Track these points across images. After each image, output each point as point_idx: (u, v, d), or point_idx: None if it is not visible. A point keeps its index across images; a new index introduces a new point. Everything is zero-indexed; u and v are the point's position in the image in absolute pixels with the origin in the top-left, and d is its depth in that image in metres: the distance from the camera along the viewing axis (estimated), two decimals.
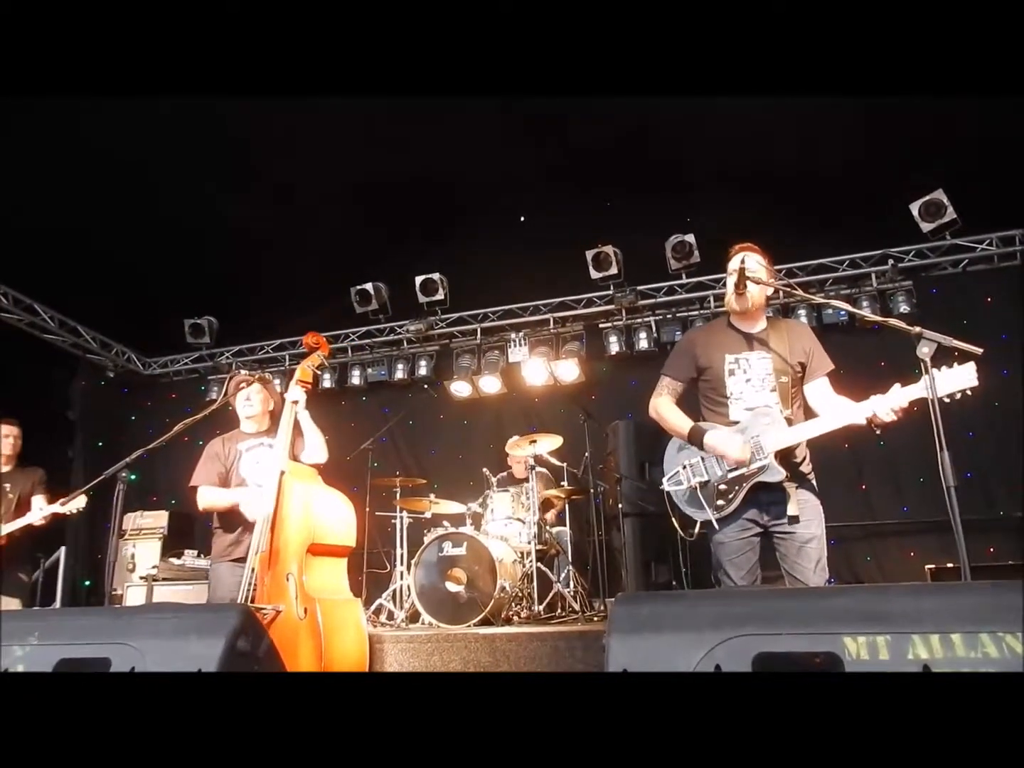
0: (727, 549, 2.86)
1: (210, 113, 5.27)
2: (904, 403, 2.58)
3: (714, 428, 2.89)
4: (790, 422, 2.80)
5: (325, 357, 3.90)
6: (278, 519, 3.18)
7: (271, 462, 3.44)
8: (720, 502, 2.85)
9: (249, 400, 3.73)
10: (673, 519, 3.03)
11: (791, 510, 2.78)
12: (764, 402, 2.87)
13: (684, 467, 2.95)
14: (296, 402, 3.55)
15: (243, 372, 3.94)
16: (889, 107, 5.15)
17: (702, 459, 2.92)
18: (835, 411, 2.78)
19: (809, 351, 2.93)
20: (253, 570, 3.11)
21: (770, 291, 3.00)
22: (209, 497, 3.56)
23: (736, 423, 2.89)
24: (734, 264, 2.97)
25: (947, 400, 2.43)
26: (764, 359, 2.92)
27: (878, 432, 2.67)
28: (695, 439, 2.90)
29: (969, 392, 2.48)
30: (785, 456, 2.80)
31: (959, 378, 2.48)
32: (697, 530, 2.94)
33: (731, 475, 2.83)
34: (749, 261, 2.92)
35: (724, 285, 3.11)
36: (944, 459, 2.19)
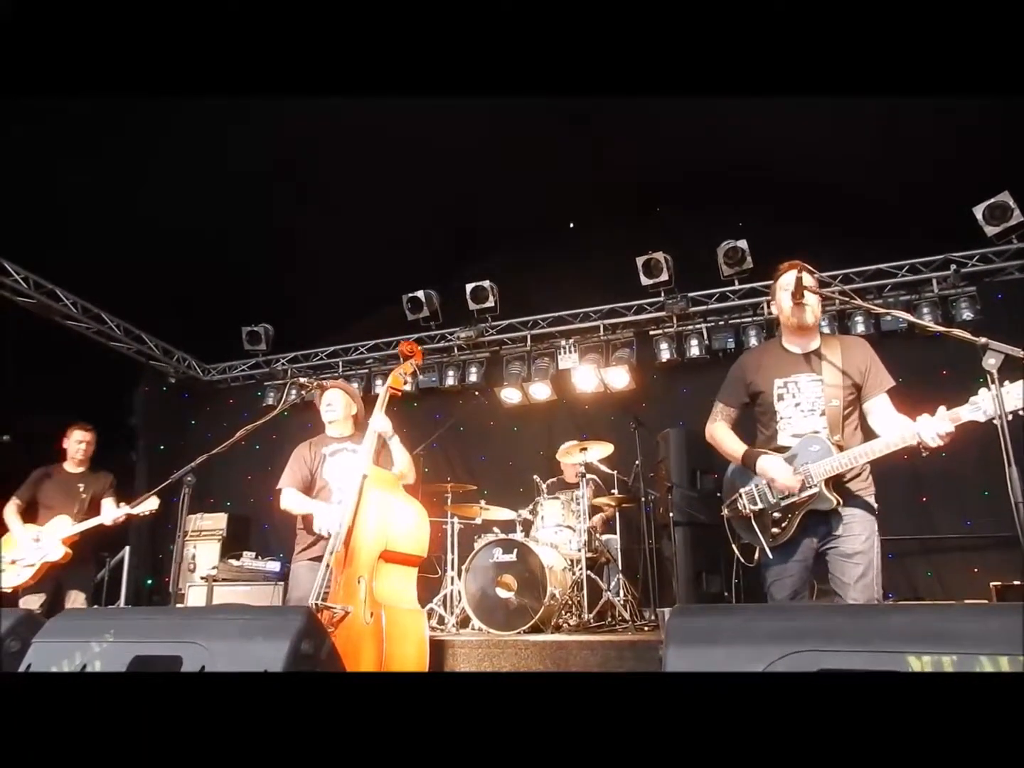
0: (771, 571, 2.85)
1: (265, 125, 5.44)
2: (950, 428, 2.48)
3: (768, 453, 2.85)
4: (840, 448, 2.73)
5: (418, 365, 3.94)
6: (356, 522, 3.22)
7: (354, 466, 3.49)
8: (775, 530, 2.82)
9: (331, 406, 3.80)
10: (733, 545, 3.04)
11: (835, 526, 2.75)
12: (812, 427, 2.81)
13: (740, 495, 2.94)
14: (382, 432, 3.53)
15: (312, 379, 4.02)
16: (950, 107, 5.02)
17: (755, 486, 2.89)
18: (886, 436, 2.69)
19: (865, 370, 2.84)
20: (328, 566, 3.16)
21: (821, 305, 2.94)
22: (289, 500, 3.67)
23: (786, 448, 2.85)
24: (787, 279, 2.89)
25: (995, 421, 2.30)
26: (815, 382, 2.86)
27: (925, 454, 2.59)
28: (749, 462, 2.88)
29: (1021, 413, 2.36)
30: (837, 480, 2.75)
31: (1012, 398, 2.36)
32: (757, 556, 2.92)
33: (784, 503, 2.80)
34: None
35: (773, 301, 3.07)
36: (1012, 474, 2.12)
